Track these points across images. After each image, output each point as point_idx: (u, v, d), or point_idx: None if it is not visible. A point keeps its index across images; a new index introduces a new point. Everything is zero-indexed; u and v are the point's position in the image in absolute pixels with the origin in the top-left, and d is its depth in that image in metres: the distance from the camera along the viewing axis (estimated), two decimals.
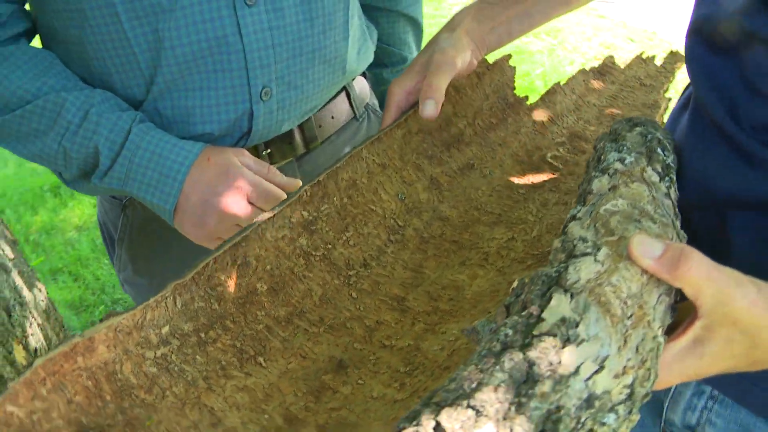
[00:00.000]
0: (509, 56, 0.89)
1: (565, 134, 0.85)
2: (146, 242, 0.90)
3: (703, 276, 0.39)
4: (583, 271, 0.39)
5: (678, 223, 0.48)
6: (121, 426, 0.46)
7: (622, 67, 0.99)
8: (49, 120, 0.72)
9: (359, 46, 0.91)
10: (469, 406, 0.31)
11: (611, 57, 0.99)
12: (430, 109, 0.70)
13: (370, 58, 0.96)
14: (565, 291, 0.37)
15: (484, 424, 0.31)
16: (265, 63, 0.76)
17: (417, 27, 1.09)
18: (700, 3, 0.58)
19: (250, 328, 0.55)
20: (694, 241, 0.60)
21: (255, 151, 0.85)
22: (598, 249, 0.41)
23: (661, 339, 0.40)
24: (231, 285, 0.56)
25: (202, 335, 0.53)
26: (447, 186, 0.74)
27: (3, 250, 0.74)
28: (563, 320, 0.36)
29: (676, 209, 0.50)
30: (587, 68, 0.96)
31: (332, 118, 0.93)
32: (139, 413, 0.47)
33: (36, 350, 0.75)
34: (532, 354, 0.34)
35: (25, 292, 0.80)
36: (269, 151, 0.86)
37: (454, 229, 0.70)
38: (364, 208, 0.67)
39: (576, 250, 0.41)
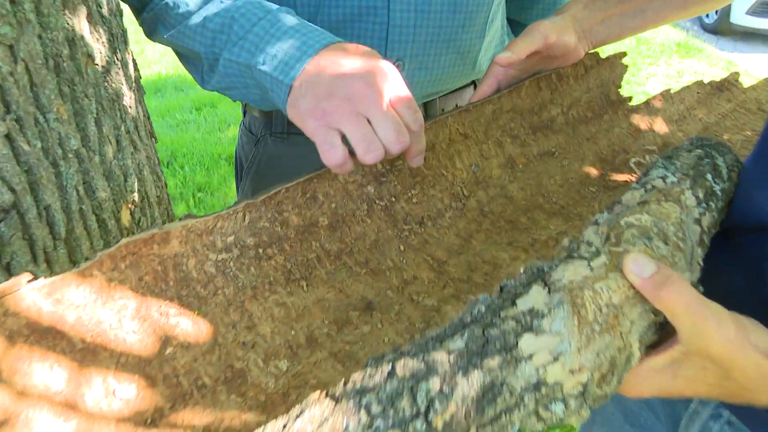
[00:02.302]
0: (624, 54, 0.88)
1: (659, 143, 0.85)
2: (269, 175, 1.00)
3: (681, 305, 0.42)
4: (569, 272, 0.42)
5: (699, 251, 0.49)
6: (177, 308, 0.55)
7: (746, 86, 0.95)
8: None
9: (495, 51, 0.98)
10: (423, 361, 0.37)
11: (737, 73, 0.95)
12: (502, 56, 0.74)
13: None
14: (545, 285, 0.41)
15: (430, 378, 0.36)
16: (403, 39, 0.83)
17: None
18: None
19: (303, 255, 0.62)
20: (741, 265, 0.61)
21: None
22: (597, 256, 0.44)
23: (635, 351, 0.43)
24: (296, 214, 0.63)
25: (261, 251, 0.60)
26: (522, 168, 0.77)
27: (140, 134, 0.86)
28: (531, 310, 0.40)
29: (704, 237, 0.51)
30: (706, 81, 0.94)
31: (456, 106, 0.99)
32: (192, 303, 0.56)
33: (139, 220, 0.87)
34: (493, 332, 0.38)
35: (146, 172, 0.91)
36: None
37: (515, 210, 0.73)
38: (435, 171, 0.72)
39: (576, 252, 0.45)
